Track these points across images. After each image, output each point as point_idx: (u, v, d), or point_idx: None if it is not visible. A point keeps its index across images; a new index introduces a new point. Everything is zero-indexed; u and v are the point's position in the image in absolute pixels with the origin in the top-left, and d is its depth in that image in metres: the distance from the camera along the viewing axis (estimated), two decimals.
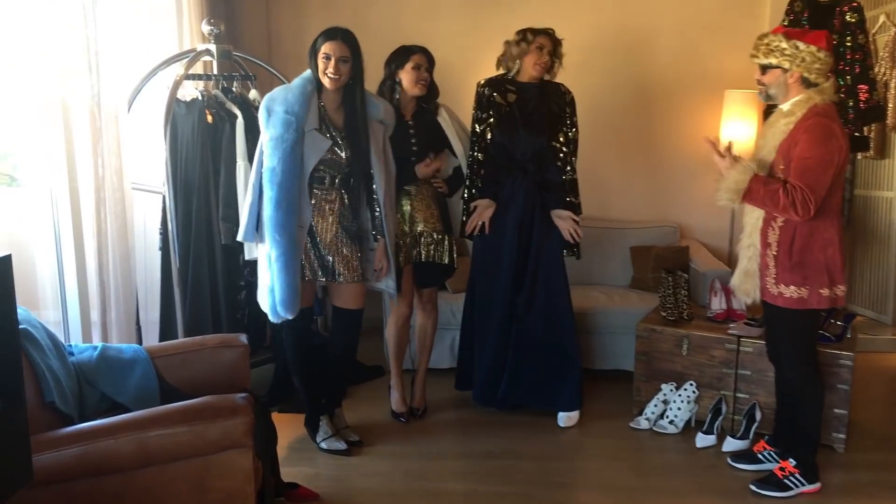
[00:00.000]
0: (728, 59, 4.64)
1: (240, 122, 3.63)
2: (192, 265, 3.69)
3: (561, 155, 3.55)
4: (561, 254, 3.59)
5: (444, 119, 3.58)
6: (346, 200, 3.24)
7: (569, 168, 3.56)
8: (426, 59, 3.47)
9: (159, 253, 3.84)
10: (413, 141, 3.49)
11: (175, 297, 3.59)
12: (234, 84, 3.86)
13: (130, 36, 3.62)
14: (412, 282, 3.61)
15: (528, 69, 3.50)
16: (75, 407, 2.51)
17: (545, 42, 3.50)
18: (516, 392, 3.67)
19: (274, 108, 3.05)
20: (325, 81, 3.11)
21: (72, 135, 3.20)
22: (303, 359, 3.35)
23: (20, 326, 2.22)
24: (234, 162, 3.63)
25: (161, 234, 3.79)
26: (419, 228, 3.52)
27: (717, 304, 3.84)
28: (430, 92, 3.52)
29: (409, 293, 3.61)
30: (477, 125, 3.57)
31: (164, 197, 3.61)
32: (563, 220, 3.53)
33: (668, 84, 4.76)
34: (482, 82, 3.60)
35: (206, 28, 3.79)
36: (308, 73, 3.13)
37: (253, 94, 3.92)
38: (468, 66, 4.68)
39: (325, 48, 3.08)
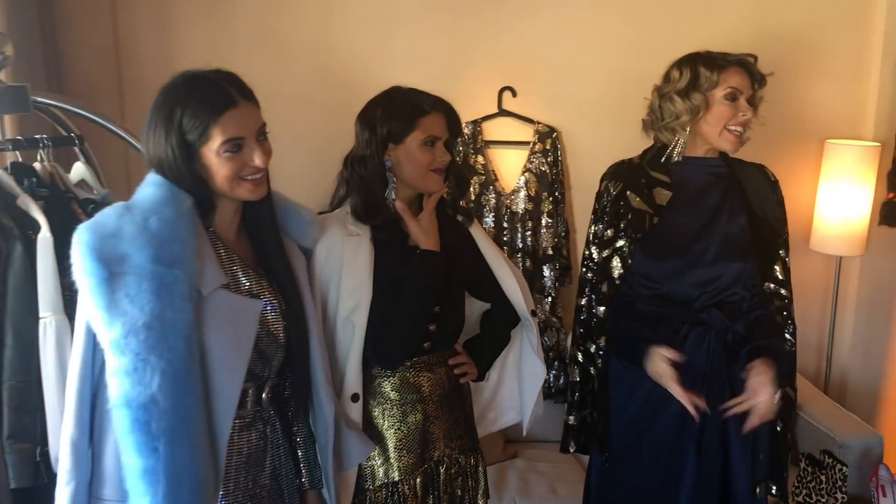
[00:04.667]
0: (827, 96, 3.15)
1: (45, 238, 1.84)
2: None
3: (777, 301, 1.96)
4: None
5: (479, 235, 1.92)
6: (280, 429, 1.60)
7: (791, 326, 1.98)
8: (451, 124, 1.76)
9: None
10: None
11: None
12: (40, 157, 2.04)
13: None
14: None
15: (712, 138, 1.90)
16: None
17: (742, 81, 1.87)
18: None
19: (122, 254, 1.34)
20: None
21: None
22: None
23: None
24: (35, 318, 1.84)
25: None
26: (437, 453, 1.83)
27: None
28: (459, 185, 1.86)
29: None
30: (594, 250, 1.98)
31: None
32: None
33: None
34: (607, 173, 2.02)
35: None
36: (159, 179, 1.42)
37: (77, 171, 2.12)
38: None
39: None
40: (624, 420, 1.96)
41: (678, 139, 1.90)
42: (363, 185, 1.74)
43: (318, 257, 1.70)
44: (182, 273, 1.35)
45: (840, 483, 2.34)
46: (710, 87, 1.85)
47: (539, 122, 3.07)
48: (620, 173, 1.97)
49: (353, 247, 1.71)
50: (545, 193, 3.09)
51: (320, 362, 1.60)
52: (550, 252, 3.10)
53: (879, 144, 3.02)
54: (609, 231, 1.94)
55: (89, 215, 1.99)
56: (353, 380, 1.72)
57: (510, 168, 3.13)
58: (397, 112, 1.70)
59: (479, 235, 1.91)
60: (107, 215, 1.39)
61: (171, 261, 1.34)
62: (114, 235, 1.35)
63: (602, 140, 3.05)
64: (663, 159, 1.93)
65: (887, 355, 3.29)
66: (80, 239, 1.36)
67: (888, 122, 3.10)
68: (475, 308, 1.98)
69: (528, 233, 3.10)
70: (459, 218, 1.87)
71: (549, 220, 3.10)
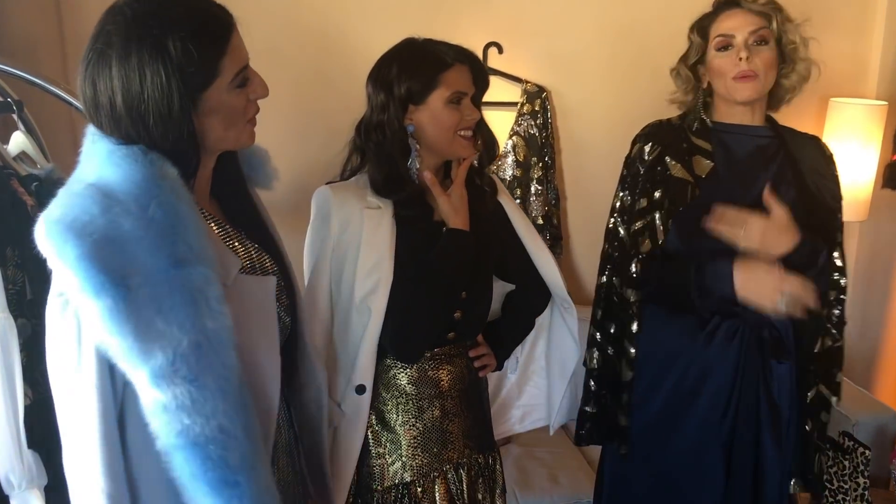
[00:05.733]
0: (830, 52, 2.97)
1: None
2: None
3: (833, 293, 1.74)
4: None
5: (510, 207, 1.73)
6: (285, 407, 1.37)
7: (836, 318, 1.75)
8: (477, 76, 1.57)
9: None
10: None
11: None
12: None
13: None
14: None
15: (726, 89, 1.67)
16: None
17: (743, 20, 1.64)
18: None
19: (131, 260, 1.02)
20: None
21: None
22: None
23: None
24: None
25: None
26: (456, 455, 1.65)
27: None
28: (487, 149, 1.67)
29: None
30: (620, 223, 1.76)
31: None
32: None
33: None
34: (641, 134, 1.78)
35: None
36: (125, 149, 1.07)
37: (17, 142, 1.84)
38: None
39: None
40: (644, 418, 1.77)
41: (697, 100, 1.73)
42: (382, 156, 1.55)
43: (332, 231, 1.53)
44: (208, 269, 1.07)
45: (862, 467, 2.22)
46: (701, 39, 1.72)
47: (528, 81, 2.86)
48: (659, 135, 1.74)
49: (373, 221, 1.53)
50: (534, 158, 2.89)
51: (308, 327, 1.40)
52: (541, 221, 2.92)
53: (886, 103, 2.87)
54: (643, 201, 1.71)
55: (34, 195, 1.73)
56: (363, 369, 1.56)
57: (496, 131, 2.81)
58: (416, 68, 1.50)
59: (510, 207, 1.72)
60: (85, 210, 1.03)
61: (191, 258, 1.06)
62: (110, 237, 1.03)
63: (595, 100, 2.88)
64: (700, 121, 1.73)
65: (886, 322, 3.19)
66: (65, 248, 1.01)
67: (893, 80, 2.96)
68: (497, 290, 1.79)
69: (517, 201, 2.90)
70: (486, 188, 1.68)
71: (539, 187, 2.90)
